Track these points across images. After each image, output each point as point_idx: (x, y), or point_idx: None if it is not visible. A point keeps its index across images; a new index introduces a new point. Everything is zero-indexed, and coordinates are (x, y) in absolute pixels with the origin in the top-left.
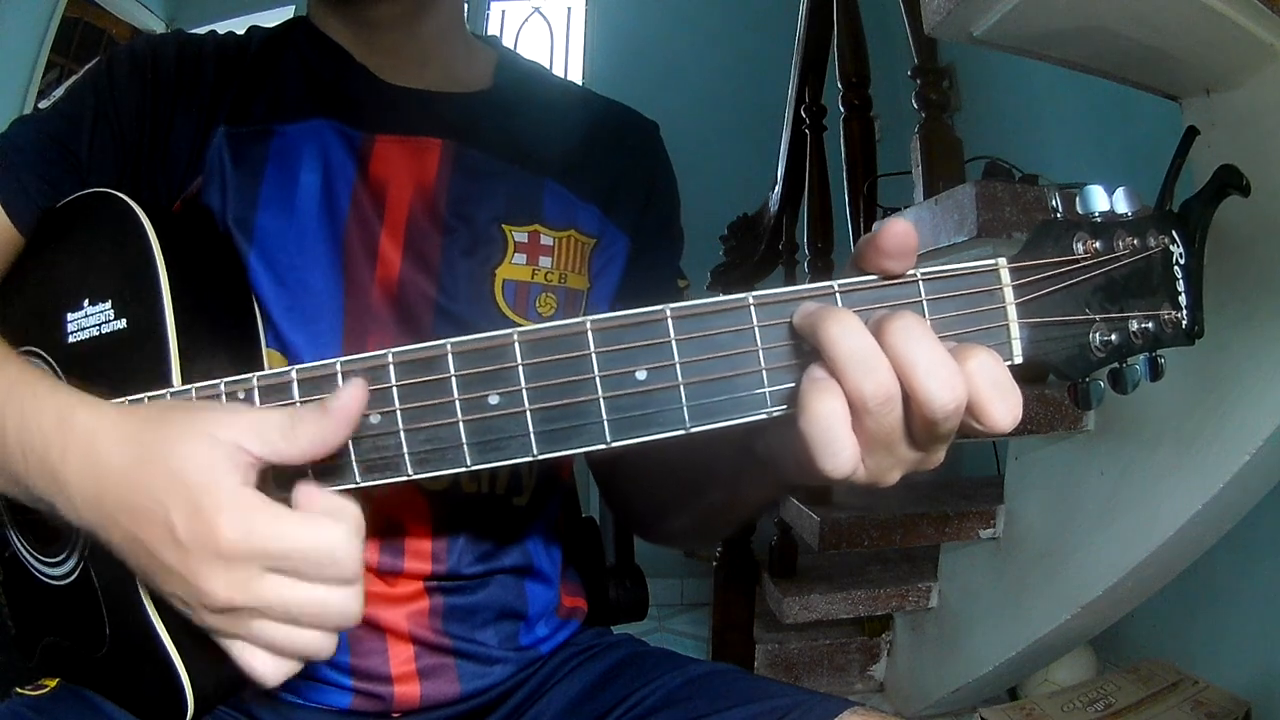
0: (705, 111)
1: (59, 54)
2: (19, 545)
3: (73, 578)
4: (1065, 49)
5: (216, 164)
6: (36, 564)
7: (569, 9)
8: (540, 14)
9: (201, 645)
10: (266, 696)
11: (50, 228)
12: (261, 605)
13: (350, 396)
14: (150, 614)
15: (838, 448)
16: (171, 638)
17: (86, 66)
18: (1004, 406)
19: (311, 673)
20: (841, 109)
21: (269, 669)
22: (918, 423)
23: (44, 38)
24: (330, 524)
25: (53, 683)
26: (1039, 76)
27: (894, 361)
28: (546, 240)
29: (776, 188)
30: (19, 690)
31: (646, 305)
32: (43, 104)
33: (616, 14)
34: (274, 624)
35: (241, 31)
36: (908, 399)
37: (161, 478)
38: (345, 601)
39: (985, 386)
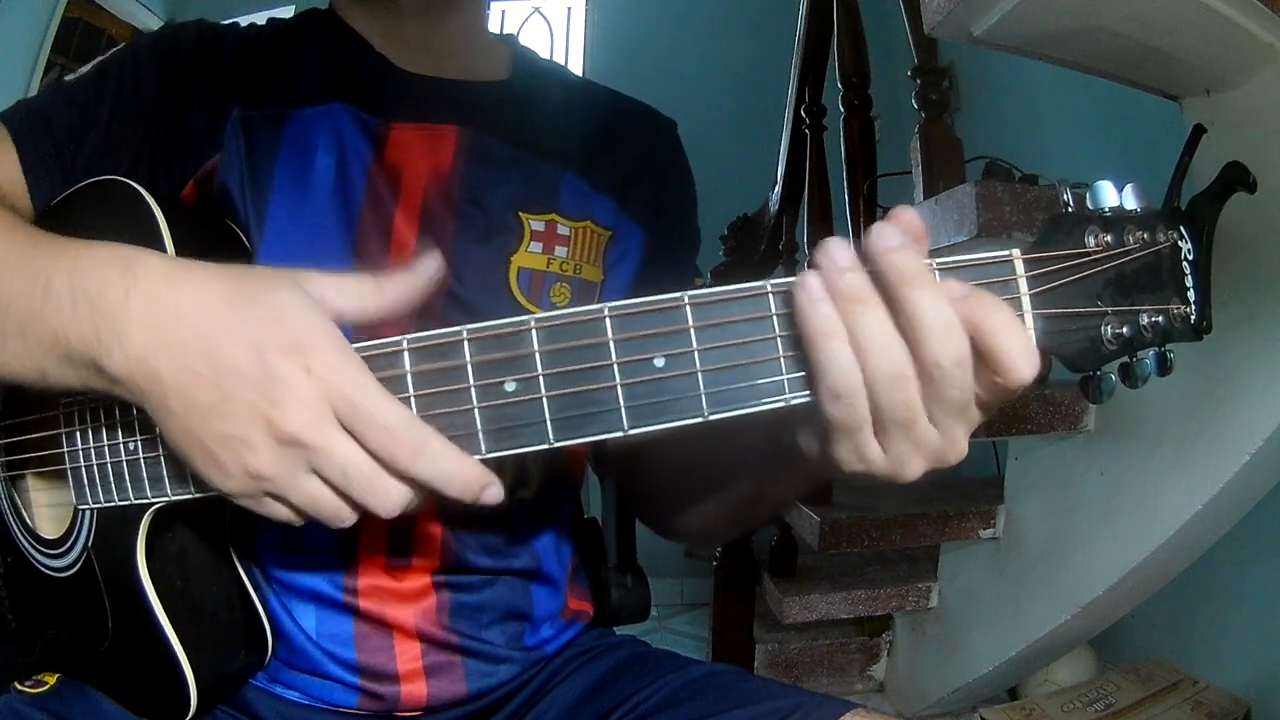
0: (705, 111)
1: (59, 54)
2: (20, 536)
3: (75, 569)
4: (1065, 49)
5: (231, 145)
6: (38, 555)
7: (569, 9)
8: (540, 14)
9: (206, 639)
10: (269, 696)
11: (61, 213)
12: (325, 451)
13: (433, 261)
14: (154, 606)
15: (838, 356)
16: (176, 630)
17: (113, 50)
18: (1017, 346)
19: (318, 669)
20: (841, 109)
21: (289, 517)
22: (925, 377)
23: (44, 38)
24: (416, 419)
25: (52, 678)
26: (1039, 76)
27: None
28: (563, 230)
29: (776, 188)
30: (18, 686)
31: None
32: (69, 77)
33: (616, 14)
34: (318, 482)
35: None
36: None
37: (254, 313)
38: (394, 489)
39: (996, 329)
